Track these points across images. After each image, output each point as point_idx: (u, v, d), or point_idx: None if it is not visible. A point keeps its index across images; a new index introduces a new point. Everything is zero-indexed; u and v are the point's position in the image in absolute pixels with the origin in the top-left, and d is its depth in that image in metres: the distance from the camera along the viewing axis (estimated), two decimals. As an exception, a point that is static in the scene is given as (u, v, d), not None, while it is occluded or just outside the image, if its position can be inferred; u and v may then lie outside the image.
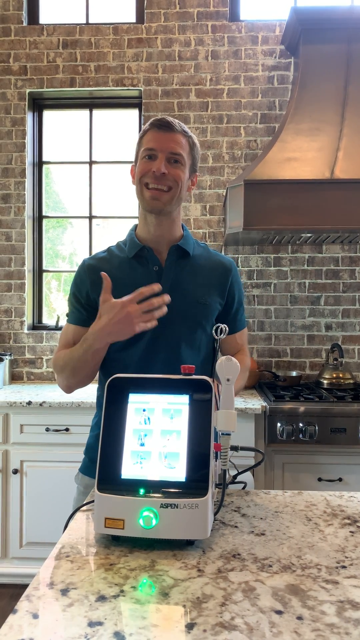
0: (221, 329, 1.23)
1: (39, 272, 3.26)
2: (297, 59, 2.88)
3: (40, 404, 2.47)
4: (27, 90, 3.11)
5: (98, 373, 1.37)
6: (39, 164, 3.25)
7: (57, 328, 3.14)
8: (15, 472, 2.50)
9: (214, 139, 3.07)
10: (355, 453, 2.36)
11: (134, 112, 3.23)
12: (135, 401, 0.96)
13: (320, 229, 2.46)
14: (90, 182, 3.24)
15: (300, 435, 2.35)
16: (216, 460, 0.98)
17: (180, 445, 0.91)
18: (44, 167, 3.27)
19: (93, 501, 0.95)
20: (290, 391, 2.68)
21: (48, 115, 3.27)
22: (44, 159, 3.27)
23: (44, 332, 3.12)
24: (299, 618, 0.68)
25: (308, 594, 0.74)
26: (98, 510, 0.88)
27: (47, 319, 3.28)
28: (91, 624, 0.66)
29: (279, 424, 2.36)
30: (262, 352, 3.05)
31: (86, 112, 3.24)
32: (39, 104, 3.23)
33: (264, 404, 2.42)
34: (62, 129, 3.27)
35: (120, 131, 3.25)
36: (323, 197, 2.39)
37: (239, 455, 1.09)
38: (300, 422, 2.35)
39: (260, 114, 3.06)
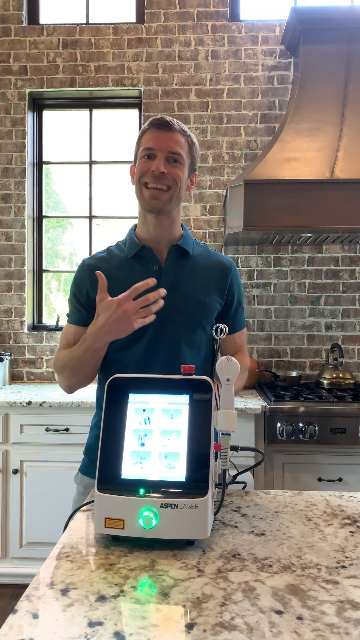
0: (221, 329, 1.23)
1: (39, 272, 3.26)
2: (297, 59, 2.88)
3: (40, 404, 2.47)
4: (27, 90, 3.11)
5: (99, 373, 1.36)
6: (39, 164, 3.25)
7: (57, 328, 3.14)
8: (15, 472, 2.50)
9: (214, 139, 3.07)
10: (355, 453, 2.36)
11: (134, 112, 3.23)
12: (135, 401, 0.95)
13: (320, 229, 2.46)
14: (90, 182, 3.24)
15: (300, 435, 2.35)
16: (216, 460, 0.98)
17: (180, 445, 0.91)
18: (44, 167, 3.27)
19: (93, 501, 0.95)
20: (290, 391, 2.68)
21: (48, 115, 3.27)
22: (44, 159, 3.27)
23: (44, 332, 3.12)
24: (299, 618, 0.68)
25: (308, 594, 0.74)
26: (98, 510, 0.88)
27: (47, 319, 3.28)
28: (91, 624, 0.66)
29: (279, 424, 2.36)
30: (262, 352, 3.05)
31: (86, 112, 3.24)
32: (39, 104, 3.23)
33: (264, 404, 2.42)
34: (62, 129, 3.27)
35: (120, 131, 3.25)
36: (323, 197, 2.39)
37: (239, 455, 1.09)
38: (300, 422, 2.35)
39: (260, 114, 3.06)
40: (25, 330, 3.12)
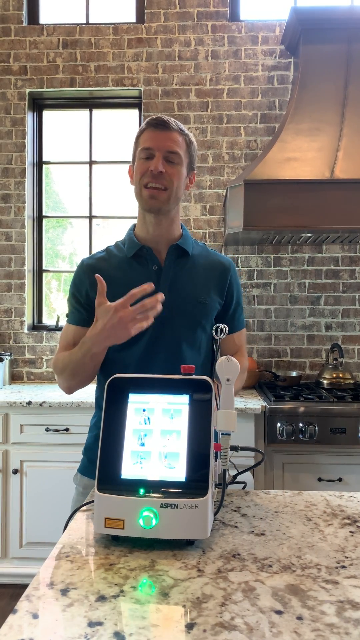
0: (221, 328, 1.23)
1: (39, 272, 3.26)
2: (297, 59, 2.88)
3: (40, 404, 2.47)
4: (27, 90, 3.11)
5: (98, 374, 1.36)
6: (39, 164, 3.25)
7: (57, 328, 3.14)
8: (15, 472, 2.50)
9: (214, 139, 3.07)
10: (355, 453, 2.36)
11: (134, 112, 3.23)
12: (135, 401, 0.95)
13: (320, 229, 2.46)
14: (90, 182, 3.24)
15: (300, 435, 2.35)
16: (216, 460, 0.98)
17: (180, 445, 0.91)
18: (44, 167, 3.27)
19: (93, 501, 0.95)
20: (290, 391, 2.68)
21: (48, 115, 3.27)
22: (44, 159, 3.27)
23: (44, 332, 3.12)
24: (299, 618, 0.68)
25: (308, 594, 0.74)
26: (98, 510, 0.88)
27: (47, 319, 3.28)
28: (91, 624, 0.66)
29: (278, 424, 2.36)
30: (262, 352, 3.05)
31: (86, 112, 3.24)
32: (39, 104, 3.23)
33: (264, 404, 2.42)
34: (62, 129, 3.27)
35: (120, 131, 3.25)
36: (323, 197, 2.39)
37: (238, 455, 1.09)
38: (300, 422, 2.35)
39: (260, 114, 3.06)
40: (25, 330, 3.12)
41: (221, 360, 0.99)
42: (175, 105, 3.07)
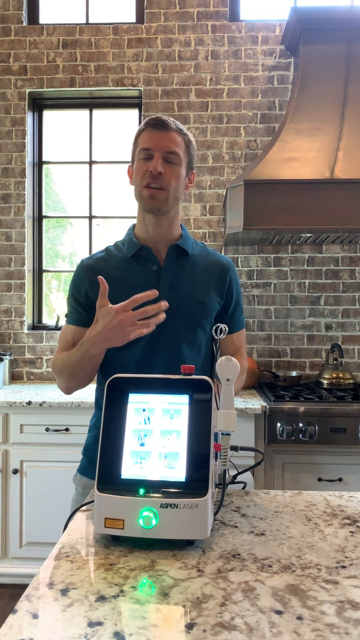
0: (221, 328, 1.22)
1: (39, 272, 3.26)
2: (297, 59, 2.88)
3: (40, 404, 2.47)
4: (27, 90, 3.11)
5: (97, 374, 1.36)
6: (39, 164, 3.25)
7: (57, 328, 3.14)
8: (15, 472, 2.50)
9: (214, 139, 3.07)
10: (355, 453, 2.36)
11: (134, 112, 3.23)
12: (135, 401, 0.95)
13: (320, 229, 2.46)
14: (90, 182, 3.24)
15: (300, 435, 2.35)
16: (216, 460, 0.98)
17: (180, 445, 0.91)
18: (44, 167, 3.27)
19: (93, 501, 0.95)
20: (290, 391, 2.68)
21: (48, 115, 3.27)
22: (44, 159, 3.27)
23: (44, 332, 3.12)
24: (299, 618, 0.68)
25: (308, 594, 0.74)
26: (98, 510, 0.88)
27: (47, 319, 3.28)
28: (91, 624, 0.66)
29: (278, 424, 2.36)
30: (262, 352, 3.05)
31: (86, 112, 3.24)
32: (39, 104, 3.23)
33: (264, 404, 2.42)
34: (62, 129, 3.27)
35: (120, 131, 3.25)
36: (323, 197, 2.39)
37: (238, 455, 1.09)
38: (300, 422, 2.35)
39: (260, 114, 3.06)
40: (25, 330, 3.12)
41: (221, 360, 0.99)
42: (175, 105, 3.07)
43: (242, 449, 1.07)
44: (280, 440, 2.36)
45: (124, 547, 0.87)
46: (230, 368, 0.98)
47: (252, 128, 3.06)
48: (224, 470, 0.98)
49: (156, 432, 0.93)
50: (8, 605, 2.36)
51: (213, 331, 1.27)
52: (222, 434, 0.98)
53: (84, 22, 3.18)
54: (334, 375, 2.80)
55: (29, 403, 2.47)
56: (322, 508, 1.06)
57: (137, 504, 0.86)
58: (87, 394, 2.44)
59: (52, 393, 2.67)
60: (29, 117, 3.16)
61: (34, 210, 3.23)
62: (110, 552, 0.86)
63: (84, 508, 1.04)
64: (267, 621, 0.67)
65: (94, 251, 3.19)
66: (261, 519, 1.00)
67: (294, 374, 2.96)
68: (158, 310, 1.13)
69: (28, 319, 3.16)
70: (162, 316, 1.14)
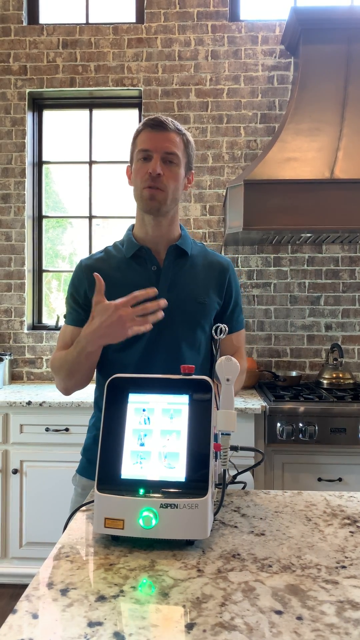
0: (221, 328, 1.22)
1: (38, 272, 3.26)
2: (297, 59, 2.88)
3: (40, 404, 2.47)
4: (27, 90, 3.11)
5: (96, 374, 1.36)
6: (39, 163, 3.25)
7: (56, 328, 3.14)
8: (15, 472, 2.50)
9: (214, 139, 3.07)
10: (355, 453, 2.36)
11: (134, 112, 3.23)
12: (135, 401, 0.95)
13: (320, 229, 2.46)
14: (90, 182, 3.24)
15: (300, 435, 2.35)
16: (216, 460, 0.98)
17: (180, 445, 0.91)
18: (44, 167, 3.27)
19: (93, 501, 0.95)
20: (290, 391, 2.68)
21: (48, 115, 3.27)
22: (44, 158, 3.27)
23: (44, 332, 3.12)
24: (299, 618, 0.68)
25: (308, 594, 0.74)
26: (98, 510, 0.88)
27: (47, 319, 3.28)
28: (91, 624, 0.66)
29: (278, 424, 2.36)
30: (262, 352, 3.05)
31: (86, 112, 3.24)
32: (39, 104, 3.23)
33: (264, 404, 2.42)
34: (62, 129, 3.27)
35: (120, 131, 3.25)
36: (323, 197, 2.39)
37: (238, 455, 1.08)
38: (300, 422, 2.35)
39: (260, 114, 3.06)
40: (25, 330, 3.12)
41: (221, 360, 0.99)
42: (175, 105, 3.07)
43: (242, 449, 1.07)
44: (280, 440, 2.36)
45: (124, 547, 0.87)
46: (230, 368, 0.98)
47: (252, 128, 3.06)
48: (224, 470, 0.98)
49: (156, 432, 0.93)
50: (8, 605, 2.36)
51: (213, 331, 1.27)
52: (222, 434, 0.98)
53: (84, 22, 3.18)
54: (334, 375, 2.80)
55: (29, 403, 2.47)
56: (322, 508, 1.06)
57: (137, 504, 0.86)
58: (87, 394, 2.44)
59: (52, 393, 2.67)
60: (29, 117, 3.16)
61: (34, 210, 3.23)
62: (110, 552, 0.86)
63: (83, 508, 1.04)
64: (267, 621, 0.67)
65: (93, 251, 3.20)
66: (261, 519, 1.00)
67: (294, 374, 2.96)
68: (157, 308, 1.13)
69: (28, 319, 3.16)
70: (161, 314, 1.14)
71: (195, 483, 0.88)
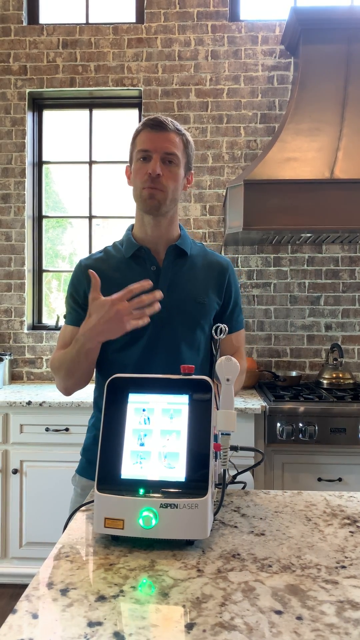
0: (221, 329, 1.22)
1: (38, 272, 3.26)
2: (297, 59, 2.88)
3: (40, 404, 2.47)
4: (27, 90, 3.11)
5: (95, 374, 1.36)
6: (39, 163, 3.25)
7: (56, 328, 3.14)
8: (15, 472, 2.50)
9: (214, 139, 3.07)
10: (355, 453, 2.36)
11: (134, 112, 3.23)
12: (135, 401, 0.95)
13: (320, 229, 2.46)
14: (90, 182, 3.24)
15: (300, 435, 2.35)
16: (216, 460, 0.98)
17: (180, 445, 0.91)
18: (44, 167, 3.27)
19: (92, 501, 0.95)
20: (290, 391, 2.68)
21: (48, 115, 3.27)
22: (44, 158, 3.27)
23: (44, 332, 3.12)
24: (299, 618, 0.68)
25: (308, 594, 0.74)
26: (98, 510, 0.88)
27: (47, 319, 3.28)
28: (91, 624, 0.66)
29: (278, 424, 2.36)
30: (262, 352, 3.05)
31: (86, 112, 3.24)
32: (38, 104, 3.23)
33: (264, 404, 2.42)
34: (62, 129, 3.27)
35: (120, 131, 3.25)
36: (323, 197, 2.39)
37: (238, 455, 1.08)
38: (300, 422, 2.35)
39: (260, 114, 3.06)
40: (25, 330, 3.12)
41: (221, 360, 0.99)
42: (175, 105, 3.07)
43: (242, 449, 1.07)
44: (280, 440, 2.36)
45: (124, 547, 0.87)
46: (230, 368, 0.98)
47: (252, 128, 3.06)
48: (224, 470, 0.98)
49: (156, 432, 0.93)
50: (8, 605, 2.36)
51: (213, 331, 1.27)
52: (222, 434, 0.98)
53: (84, 22, 3.18)
54: (334, 375, 2.80)
55: (29, 403, 2.47)
56: (322, 508, 1.06)
57: (137, 504, 0.86)
58: (87, 393, 2.44)
59: (52, 393, 2.67)
60: (29, 117, 3.16)
61: (33, 210, 3.23)
62: (110, 552, 0.86)
63: (83, 508, 1.04)
64: (266, 621, 0.67)
65: (93, 251, 3.20)
66: (261, 519, 1.00)
67: (293, 374, 2.96)
68: (153, 300, 1.13)
69: (28, 319, 3.16)
70: (158, 306, 1.14)
71: (195, 483, 0.88)
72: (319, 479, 2.35)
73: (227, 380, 0.98)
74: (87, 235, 3.26)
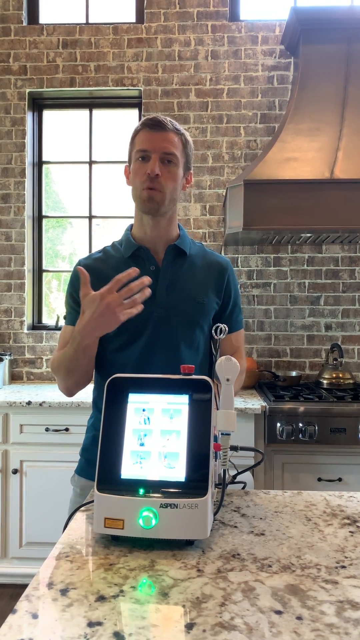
0: (221, 328, 1.22)
1: (38, 272, 3.26)
2: (297, 59, 2.88)
3: (40, 404, 2.47)
4: (27, 90, 3.11)
5: (95, 375, 1.36)
6: (39, 163, 3.25)
7: (56, 328, 3.14)
8: (15, 472, 2.50)
9: (213, 139, 3.07)
10: (355, 453, 2.36)
11: (134, 112, 3.23)
12: (135, 401, 0.95)
13: (320, 229, 2.46)
14: (90, 182, 3.24)
15: (300, 435, 2.35)
16: (216, 460, 0.98)
17: (180, 445, 0.91)
18: (44, 167, 3.27)
19: (92, 501, 0.95)
20: (290, 391, 2.68)
21: (48, 115, 3.27)
22: (44, 158, 3.27)
23: (44, 332, 3.12)
24: (299, 618, 0.68)
25: (308, 594, 0.74)
26: (98, 510, 0.88)
27: (47, 319, 3.28)
28: (90, 624, 0.66)
29: (278, 424, 2.36)
30: (262, 352, 3.05)
31: (86, 112, 3.24)
32: (38, 104, 3.23)
33: (264, 404, 2.42)
34: (62, 128, 3.27)
35: (120, 131, 3.25)
36: (323, 197, 2.39)
37: (238, 455, 1.08)
38: (300, 422, 2.35)
39: (260, 114, 3.06)
40: (25, 330, 3.12)
41: (221, 360, 0.99)
42: (175, 105, 3.07)
43: (242, 449, 1.07)
44: (280, 440, 2.36)
45: (124, 547, 0.87)
46: (230, 368, 0.98)
47: (252, 128, 3.06)
48: (224, 470, 0.98)
49: (156, 432, 0.93)
50: (8, 605, 2.36)
51: (213, 331, 1.26)
52: (222, 434, 0.98)
53: (84, 22, 3.18)
54: (334, 375, 2.80)
55: (29, 403, 2.47)
56: (321, 508, 1.06)
57: (137, 504, 0.86)
58: (87, 393, 2.43)
59: (52, 393, 2.67)
60: (29, 117, 3.16)
61: (33, 210, 3.23)
62: (110, 552, 0.86)
63: (83, 508, 1.04)
64: (266, 621, 0.67)
65: (93, 251, 3.20)
66: (261, 519, 1.00)
67: (293, 374, 2.96)
68: (142, 286, 1.12)
69: (28, 319, 3.16)
70: (148, 291, 1.13)
71: (195, 483, 0.88)
72: (319, 479, 2.35)
73: (227, 380, 0.98)
74: (87, 235, 3.26)
